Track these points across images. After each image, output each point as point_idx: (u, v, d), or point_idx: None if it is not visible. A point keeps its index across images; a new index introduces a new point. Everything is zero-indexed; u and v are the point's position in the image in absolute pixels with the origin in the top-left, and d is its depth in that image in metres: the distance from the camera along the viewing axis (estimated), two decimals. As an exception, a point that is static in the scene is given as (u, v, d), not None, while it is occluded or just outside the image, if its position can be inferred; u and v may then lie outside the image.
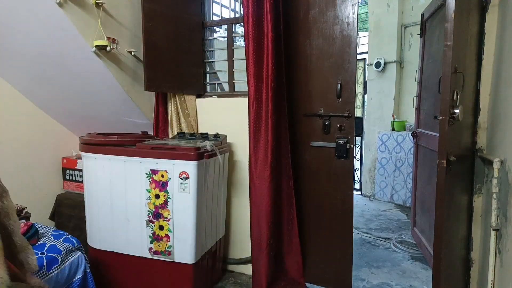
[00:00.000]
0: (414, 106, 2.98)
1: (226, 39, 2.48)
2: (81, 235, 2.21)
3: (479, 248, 1.87)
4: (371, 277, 2.38)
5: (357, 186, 4.63)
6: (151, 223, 1.95)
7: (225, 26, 2.56)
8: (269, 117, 1.92)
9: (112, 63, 2.05)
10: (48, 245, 1.61)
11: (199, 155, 1.87)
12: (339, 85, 2.00)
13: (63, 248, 1.64)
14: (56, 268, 1.56)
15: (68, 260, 1.64)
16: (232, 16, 3.13)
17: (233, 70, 2.44)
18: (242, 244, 2.43)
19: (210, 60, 2.57)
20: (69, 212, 2.46)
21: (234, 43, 2.44)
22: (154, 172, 1.91)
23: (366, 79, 4.60)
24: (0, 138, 1.89)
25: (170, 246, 1.94)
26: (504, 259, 1.52)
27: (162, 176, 1.91)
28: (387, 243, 2.94)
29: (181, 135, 2.28)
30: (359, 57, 4.68)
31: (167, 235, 1.94)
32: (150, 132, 2.44)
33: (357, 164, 4.59)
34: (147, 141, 2.03)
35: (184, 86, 2.38)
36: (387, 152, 4.15)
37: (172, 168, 1.88)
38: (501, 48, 1.66)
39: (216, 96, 2.48)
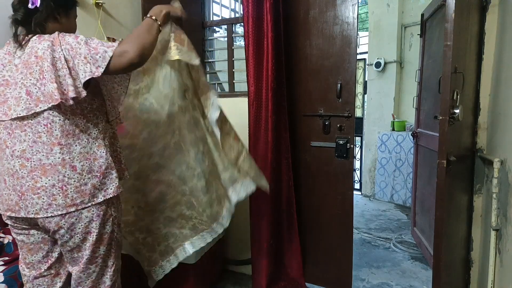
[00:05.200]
0: (414, 106, 2.98)
1: (226, 39, 2.48)
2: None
3: (479, 248, 1.87)
4: (371, 277, 2.38)
5: (357, 186, 4.63)
6: (151, 223, 1.95)
7: (225, 26, 2.56)
8: (269, 117, 1.92)
9: (112, 63, 2.04)
10: (48, 245, 1.61)
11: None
12: (339, 85, 2.00)
13: (63, 248, 1.64)
14: (56, 268, 1.56)
15: (68, 260, 1.63)
16: (232, 16, 3.13)
17: (233, 70, 2.44)
18: (242, 244, 2.43)
19: (210, 60, 2.57)
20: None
21: (234, 43, 2.44)
22: (154, 172, 1.90)
23: (366, 79, 4.60)
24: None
25: (170, 246, 1.94)
26: (504, 259, 1.52)
27: (162, 176, 1.90)
28: (387, 243, 2.94)
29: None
30: (359, 57, 4.68)
31: (167, 235, 1.93)
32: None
33: (357, 164, 4.59)
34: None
35: (184, 86, 2.38)
36: (387, 152, 4.15)
37: (172, 168, 1.88)
38: (501, 48, 1.66)
39: (216, 96, 2.48)
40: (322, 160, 2.11)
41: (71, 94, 1.04)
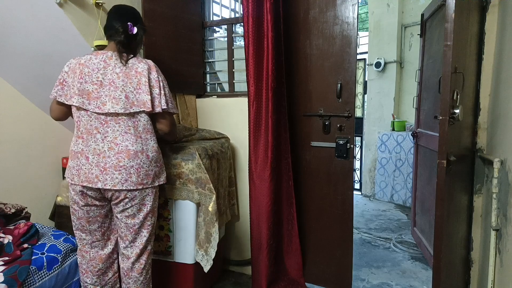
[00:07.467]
0: (414, 106, 2.98)
1: (226, 39, 2.48)
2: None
3: (479, 248, 1.87)
4: (371, 277, 2.38)
5: (357, 186, 4.63)
6: (151, 223, 1.95)
7: (225, 26, 2.56)
8: (269, 117, 1.92)
9: (112, 63, 2.04)
10: (48, 245, 1.61)
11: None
12: (339, 85, 2.00)
13: (63, 248, 1.64)
14: (56, 268, 1.56)
15: (68, 260, 1.64)
16: (232, 16, 3.13)
17: (233, 70, 2.44)
18: (242, 245, 2.43)
19: (210, 60, 2.57)
20: (70, 212, 2.45)
21: (234, 43, 2.44)
22: (154, 172, 1.90)
23: (366, 79, 4.60)
24: (0, 138, 1.89)
25: (170, 246, 1.94)
26: (504, 259, 1.52)
27: (162, 176, 1.90)
28: (387, 243, 2.94)
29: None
30: (359, 57, 4.68)
31: (167, 235, 1.94)
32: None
33: (357, 164, 4.59)
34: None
35: (184, 86, 2.38)
36: (387, 152, 4.15)
37: (172, 168, 1.88)
38: (501, 48, 1.66)
39: (216, 96, 2.48)
40: (322, 160, 2.11)
41: (158, 109, 1.49)
